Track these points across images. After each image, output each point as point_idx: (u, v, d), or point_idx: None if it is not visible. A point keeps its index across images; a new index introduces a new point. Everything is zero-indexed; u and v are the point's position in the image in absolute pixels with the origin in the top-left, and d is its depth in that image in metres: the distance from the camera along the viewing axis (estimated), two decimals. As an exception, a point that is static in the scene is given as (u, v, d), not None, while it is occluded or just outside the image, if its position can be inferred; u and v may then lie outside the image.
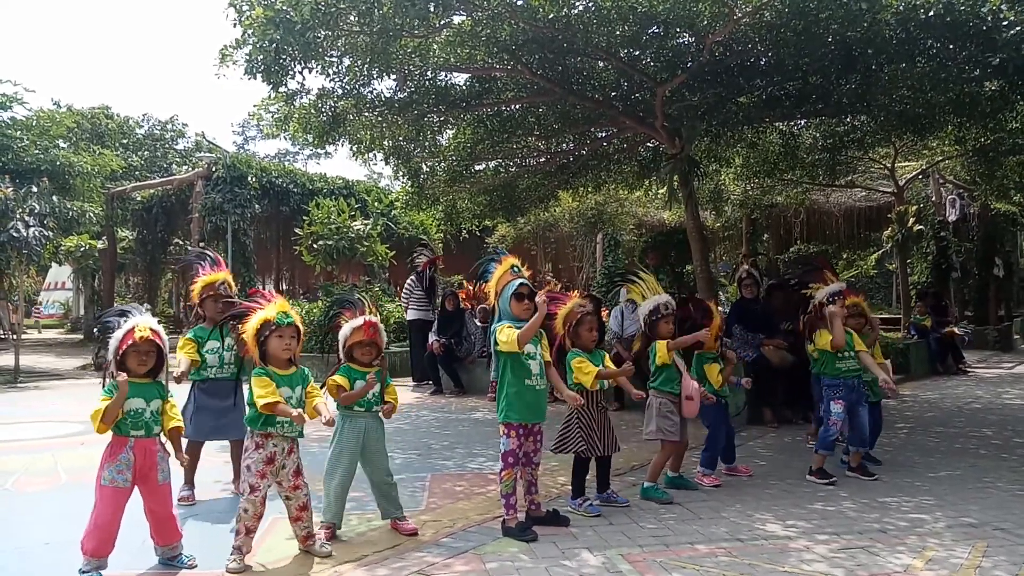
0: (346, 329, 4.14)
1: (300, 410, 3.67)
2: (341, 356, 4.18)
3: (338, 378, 4.07)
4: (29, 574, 3.65)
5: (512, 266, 4.28)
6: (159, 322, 3.71)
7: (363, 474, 4.20)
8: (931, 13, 5.46)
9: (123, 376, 3.43)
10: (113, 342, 3.57)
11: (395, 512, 4.20)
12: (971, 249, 16.64)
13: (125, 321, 3.62)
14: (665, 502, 4.72)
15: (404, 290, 11.34)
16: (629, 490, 4.97)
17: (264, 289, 7.86)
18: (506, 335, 4.07)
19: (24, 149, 18.71)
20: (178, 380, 4.36)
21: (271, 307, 3.80)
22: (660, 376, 4.96)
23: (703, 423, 5.38)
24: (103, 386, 3.55)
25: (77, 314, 27.46)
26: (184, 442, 3.91)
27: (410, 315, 10.96)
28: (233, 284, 4.99)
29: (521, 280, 4.21)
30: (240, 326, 3.83)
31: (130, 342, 3.51)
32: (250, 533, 3.70)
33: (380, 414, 4.17)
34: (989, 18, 5.39)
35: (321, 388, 4.00)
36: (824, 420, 5.37)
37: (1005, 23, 5.35)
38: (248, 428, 3.76)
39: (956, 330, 12.17)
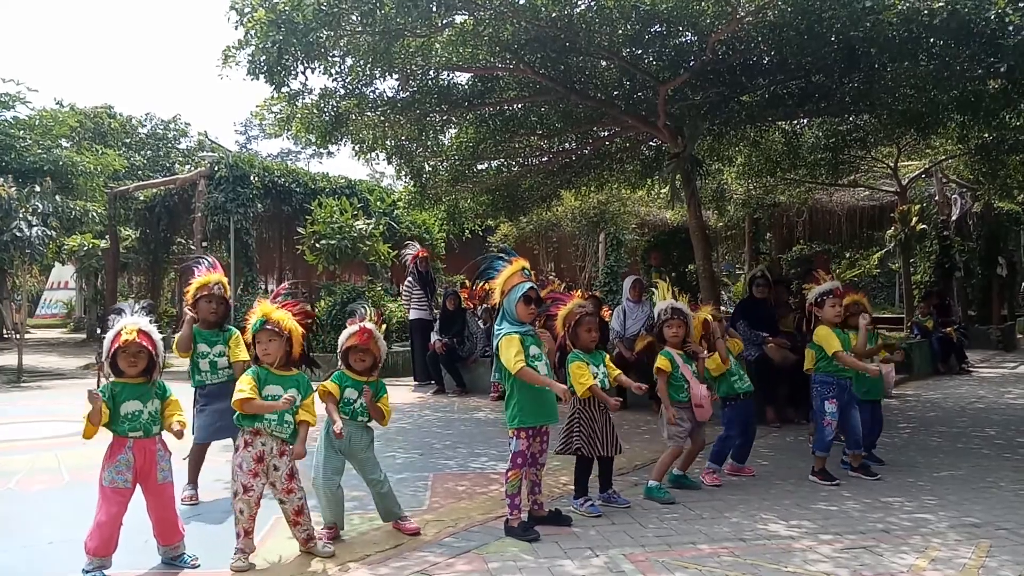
0: (344, 334, 4.16)
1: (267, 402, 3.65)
2: (339, 362, 4.19)
3: (329, 384, 4.08)
4: (32, 573, 3.65)
5: (523, 268, 4.27)
6: (152, 320, 3.70)
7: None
8: (936, 20, 5.38)
9: (97, 392, 3.45)
10: (105, 343, 3.59)
11: (395, 514, 4.20)
12: (974, 248, 16.57)
13: (119, 320, 3.63)
14: (667, 502, 4.71)
15: (404, 291, 11.38)
16: (632, 490, 4.97)
17: (268, 289, 7.85)
18: (512, 362, 4.03)
19: (27, 148, 18.75)
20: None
21: (253, 316, 3.82)
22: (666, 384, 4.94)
23: (721, 421, 5.47)
24: (98, 385, 3.56)
25: (80, 314, 27.51)
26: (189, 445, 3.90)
27: (411, 315, 10.99)
28: (228, 286, 5.02)
29: (531, 284, 4.21)
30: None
31: (118, 344, 3.52)
32: (249, 535, 3.70)
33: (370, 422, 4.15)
34: (995, 20, 5.33)
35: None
36: (818, 421, 5.34)
37: (1011, 27, 5.28)
38: (239, 427, 3.76)
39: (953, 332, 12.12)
